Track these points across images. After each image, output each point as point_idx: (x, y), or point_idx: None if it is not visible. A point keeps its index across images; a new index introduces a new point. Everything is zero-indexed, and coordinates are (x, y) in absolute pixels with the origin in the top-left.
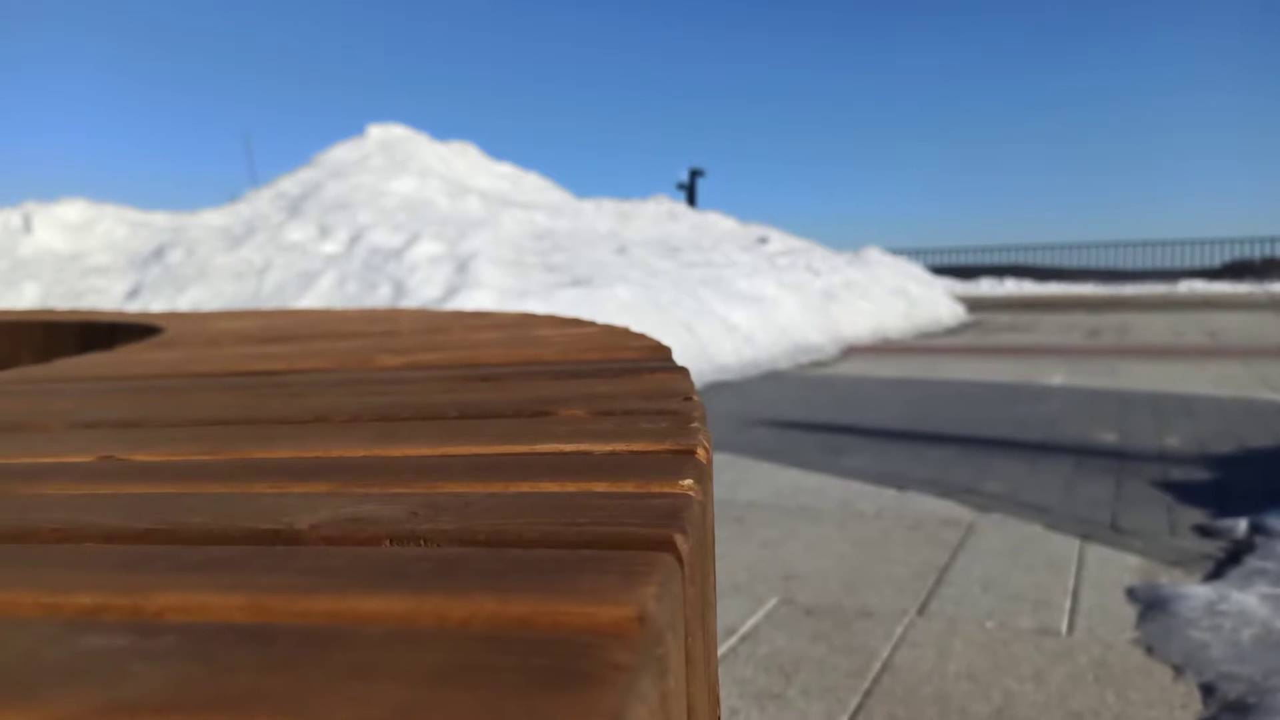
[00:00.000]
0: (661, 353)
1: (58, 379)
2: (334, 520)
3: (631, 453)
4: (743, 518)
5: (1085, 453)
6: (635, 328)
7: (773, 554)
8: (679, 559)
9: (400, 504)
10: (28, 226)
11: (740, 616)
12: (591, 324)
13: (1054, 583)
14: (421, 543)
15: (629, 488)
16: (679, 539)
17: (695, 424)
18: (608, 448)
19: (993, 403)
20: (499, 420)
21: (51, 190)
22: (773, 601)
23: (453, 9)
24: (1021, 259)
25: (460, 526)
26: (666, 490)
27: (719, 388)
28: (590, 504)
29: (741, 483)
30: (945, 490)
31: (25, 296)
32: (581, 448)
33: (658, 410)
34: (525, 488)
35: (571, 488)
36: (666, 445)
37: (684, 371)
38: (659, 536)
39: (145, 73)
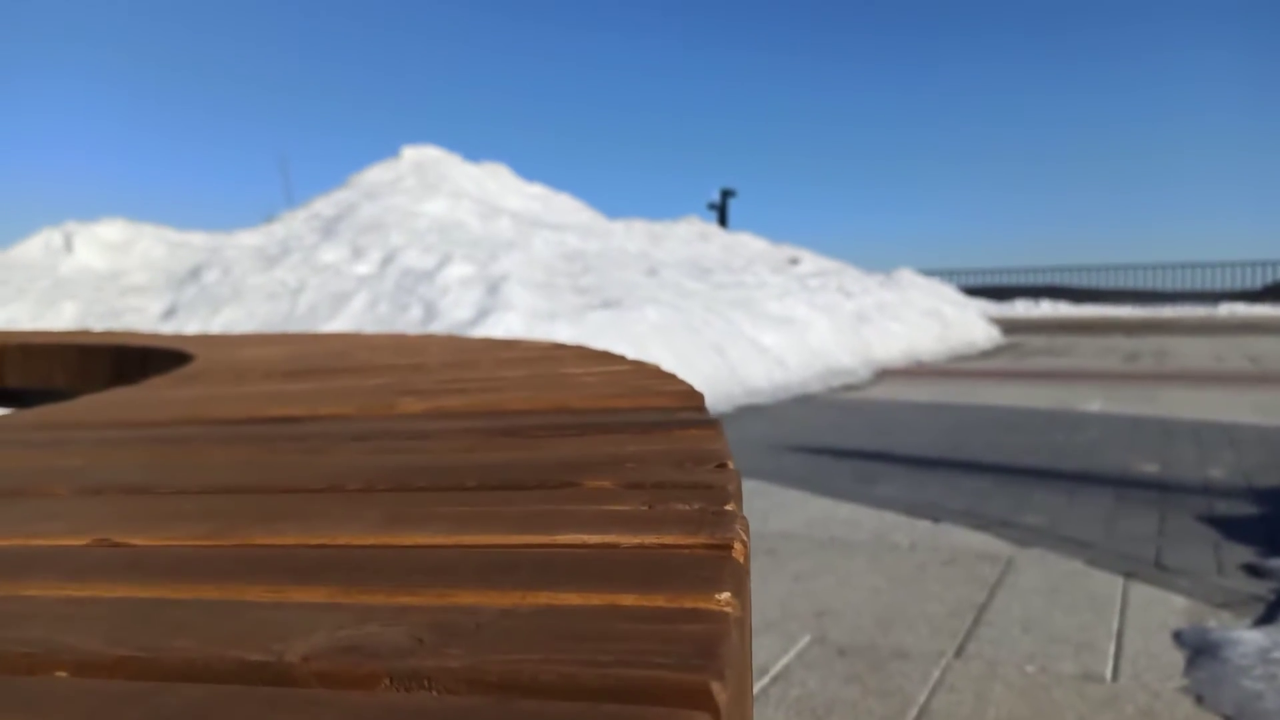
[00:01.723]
0: (694, 400)
1: (78, 424)
2: (329, 649)
3: (662, 546)
4: (774, 550)
5: (1126, 484)
6: (666, 349)
7: (805, 588)
8: (716, 713)
9: (405, 624)
10: (69, 246)
11: (772, 656)
12: (622, 359)
13: (1097, 624)
14: (425, 683)
15: (659, 601)
16: (716, 688)
17: (731, 505)
18: (635, 540)
19: (1029, 429)
20: (520, 493)
21: (93, 209)
22: (805, 640)
23: (487, 33)
24: (1057, 280)
25: (469, 664)
26: (701, 606)
27: (750, 411)
28: (615, 631)
29: (773, 512)
30: (982, 523)
31: (64, 316)
32: (607, 539)
33: (690, 483)
34: (544, 599)
35: (596, 600)
36: (700, 539)
37: (717, 427)
38: (693, 685)
39: (186, 95)
